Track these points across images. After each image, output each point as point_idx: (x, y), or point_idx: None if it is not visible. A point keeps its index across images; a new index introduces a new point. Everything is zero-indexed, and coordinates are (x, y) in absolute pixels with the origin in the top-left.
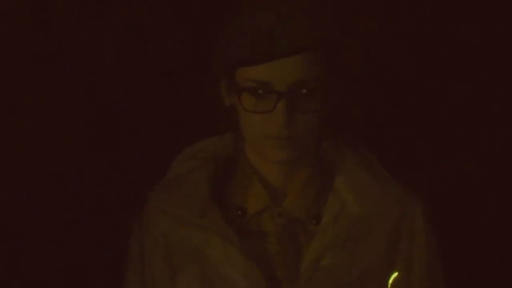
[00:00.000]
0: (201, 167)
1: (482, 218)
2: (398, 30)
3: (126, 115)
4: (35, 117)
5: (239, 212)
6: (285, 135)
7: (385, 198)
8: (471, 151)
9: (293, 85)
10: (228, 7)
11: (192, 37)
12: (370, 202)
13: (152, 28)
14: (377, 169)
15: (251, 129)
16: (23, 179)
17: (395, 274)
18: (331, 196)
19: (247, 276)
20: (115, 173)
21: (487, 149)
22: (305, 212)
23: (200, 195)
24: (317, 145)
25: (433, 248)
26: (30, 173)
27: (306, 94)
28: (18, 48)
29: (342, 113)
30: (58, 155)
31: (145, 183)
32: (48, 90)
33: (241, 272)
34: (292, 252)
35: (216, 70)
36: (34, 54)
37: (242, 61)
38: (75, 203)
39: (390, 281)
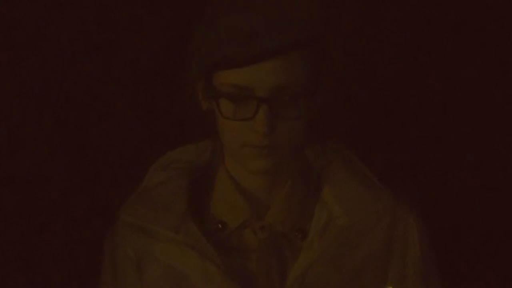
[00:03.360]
0: (175, 178)
1: (477, 225)
2: (386, 29)
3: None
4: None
5: (219, 225)
6: (265, 143)
7: (375, 208)
8: (462, 153)
9: (274, 90)
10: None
11: (165, 33)
12: (359, 213)
13: (127, 23)
14: (366, 176)
15: (229, 136)
16: None
17: None
18: (318, 208)
19: None
20: (86, 180)
21: (479, 152)
22: (289, 225)
23: (175, 208)
24: (301, 152)
25: (428, 260)
26: None
27: (289, 100)
28: None
29: (328, 117)
30: (25, 158)
31: (118, 193)
32: (15, 88)
33: None
34: (275, 268)
35: (192, 72)
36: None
37: (219, 64)
38: (42, 212)
39: None
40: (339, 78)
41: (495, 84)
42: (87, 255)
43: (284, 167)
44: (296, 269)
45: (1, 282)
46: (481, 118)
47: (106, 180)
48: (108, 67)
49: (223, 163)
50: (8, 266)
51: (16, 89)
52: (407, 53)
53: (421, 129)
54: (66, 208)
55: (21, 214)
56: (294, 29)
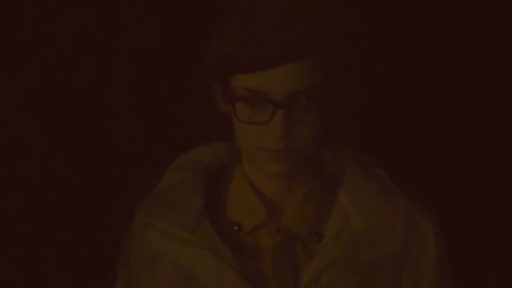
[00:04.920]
0: (191, 179)
1: (478, 225)
2: (399, 33)
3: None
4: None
5: (235, 226)
6: (281, 147)
7: (391, 212)
8: (477, 155)
9: (290, 95)
10: (218, 7)
11: (183, 34)
12: (375, 217)
13: (131, 22)
14: (383, 180)
15: (245, 139)
16: None
17: None
18: (334, 211)
19: None
20: (100, 183)
21: (492, 154)
22: (305, 228)
23: (192, 209)
24: (317, 156)
25: (443, 265)
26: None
27: (304, 104)
28: None
29: (344, 121)
30: (29, 158)
31: (132, 195)
32: (19, 87)
33: None
34: (290, 271)
35: (208, 76)
36: (4, 48)
37: (234, 69)
38: (46, 212)
39: None
40: (354, 81)
41: (499, 84)
42: (90, 256)
43: (300, 170)
44: (310, 271)
45: (6, 282)
46: (491, 118)
47: (110, 180)
48: (112, 67)
49: (239, 164)
50: (12, 266)
51: (20, 89)
52: (423, 55)
53: (438, 133)
54: (70, 208)
55: (25, 214)
56: (308, 34)
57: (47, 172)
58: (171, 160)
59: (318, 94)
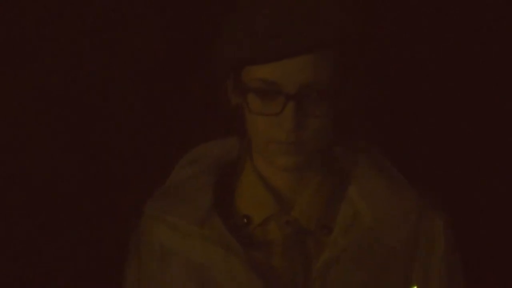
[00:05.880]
0: (202, 173)
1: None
2: (415, 30)
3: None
4: (14, 118)
5: (244, 220)
6: (292, 140)
7: (401, 207)
8: (489, 154)
9: (303, 87)
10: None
11: (184, 34)
12: (384, 211)
13: (139, 24)
14: (393, 175)
15: (257, 132)
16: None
17: None
18: (344, 205)
19: None
20: (94, 178)
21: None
22: (315, 221)
23: (201, 203)
24: (328, 150)
25: (455, 267)
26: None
27: (316, 97)
28: None
29: (356, 116)
30: (35, 156)
31: (140, 190)
32: (30, 89)
33: (244, 286)
34: (299, 263)
35: (220, 69)
36: (10, 46)
37: (249, 60)
38: (52, 209)
39: None
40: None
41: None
42: (90, 256)
43: (311, 163)
44: (319, 264)
45: (9, 279)
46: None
47: (115, 178)
48: (114, 66)
49: (250, 158)
50: (12, 266)
51: (22, 87)
52: (438, 54)
53: (451, 131)
54: (71, 207)
55: (26, 213)
56: (322, 28)
57: (48, 171)
58: (172, 159)
59: (330, 88)
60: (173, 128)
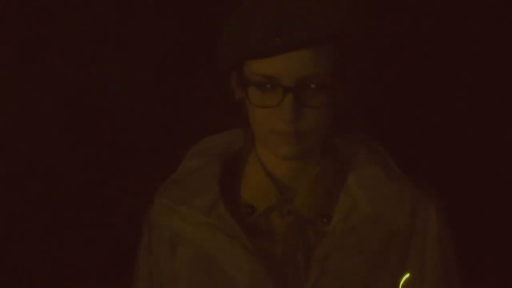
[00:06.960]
0: (209, 164)
1: (497, 220)
2: (413, 25)
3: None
4: (23, 115)
5: (249, 209)
6: (291, 130)
7: (398, 197)
8: (484, 149)
9: (300, 80)
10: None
11: (188, 31)
12: (382, 201)
13: (144, 22)
14: (391, 167)
15: (258, 123)
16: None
17: (407, 276)
18: (342, 194)
19: (252, 279)
20: (117, 170)
21: (499, 149)
22: (315, 211)
23: (208, 192)
24: (329, 142)
25: (449, 254)
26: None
27: (314, 89)
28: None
29: (355, 109)
30: (50, 153)
31: (147, 182)
32: (39, 85)
33: (247, 273)
34: (300, 252)
35: (223, 63)
36: (16, 46)
37: (248, 54)
38: (71, 206)
39: (402, 282)
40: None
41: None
42: (91, 255)
43: (312, 154)
44: (318, 253)
45: (6, 282)
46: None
47: (117, 176)
48: (124, 63)
49: (254, 149)
50: (12, 266)
51: (34, 86)
52: (436, 49)
53: (448, 125)
54: (77, 205)
55: (26, 213)
56: (322, 23)
57: (50, 171)
58: (176, 158)
59: (329, 81)
60: (176, 126)
